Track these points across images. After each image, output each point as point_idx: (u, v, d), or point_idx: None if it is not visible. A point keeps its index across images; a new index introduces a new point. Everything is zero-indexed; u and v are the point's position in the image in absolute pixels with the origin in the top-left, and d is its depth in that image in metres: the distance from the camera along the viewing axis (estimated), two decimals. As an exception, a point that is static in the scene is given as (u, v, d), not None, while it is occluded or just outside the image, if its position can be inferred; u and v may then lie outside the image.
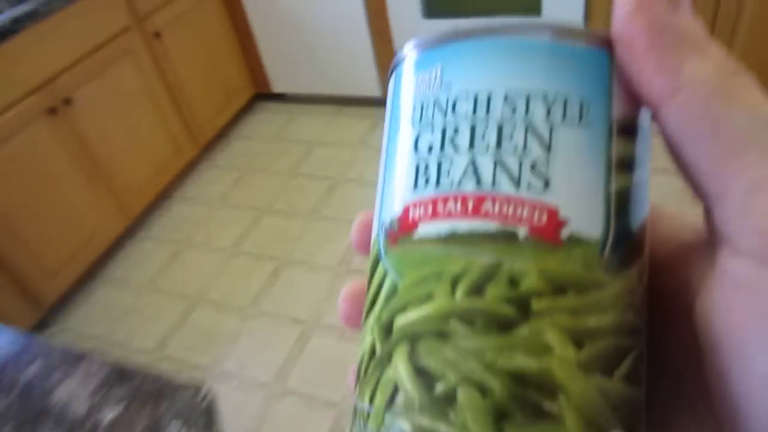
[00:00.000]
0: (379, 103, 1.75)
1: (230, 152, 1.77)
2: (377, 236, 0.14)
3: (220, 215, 1.53)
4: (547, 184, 0.12)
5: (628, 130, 0.13)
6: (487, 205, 0.12)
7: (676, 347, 0.14)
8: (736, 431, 0.12)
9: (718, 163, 0.11)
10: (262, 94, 1.95)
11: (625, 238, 0.12)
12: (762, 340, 0.11)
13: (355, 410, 0.13)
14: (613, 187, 0.12)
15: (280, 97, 1.94)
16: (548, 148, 0.12)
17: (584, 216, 0.12)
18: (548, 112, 0.12)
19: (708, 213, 0.12)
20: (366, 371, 0.13)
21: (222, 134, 1.82)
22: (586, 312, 0.12)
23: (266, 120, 1.89)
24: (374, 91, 1.73)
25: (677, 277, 0.13)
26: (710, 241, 0.12)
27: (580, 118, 0.12)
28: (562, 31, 0.13)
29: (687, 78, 0.11)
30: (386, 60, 1.64)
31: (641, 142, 0.13)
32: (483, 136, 0.13)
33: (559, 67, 0.12)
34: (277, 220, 1.47)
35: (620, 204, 0.12)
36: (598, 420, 0.11)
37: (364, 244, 0.16)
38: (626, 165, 0.13)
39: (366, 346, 0.13)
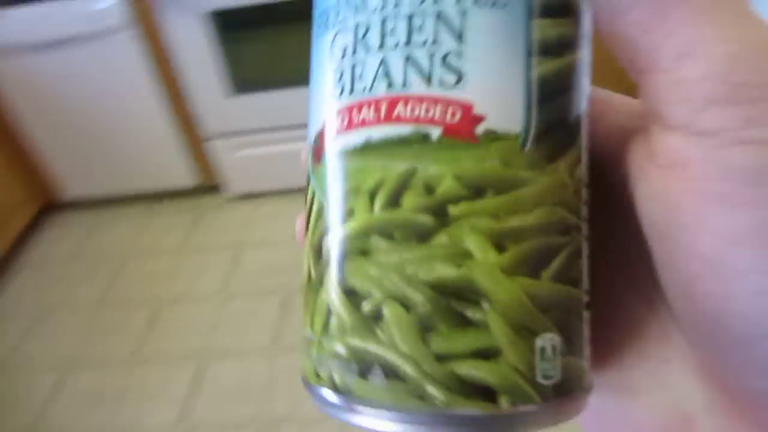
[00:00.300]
0: (197, 192, 1.52)
1: (14, 293, 1.39)
2: (307, 155, 0.14)
3: (5, 389, 1.16)
4: (459, 78, 0.11)
5: (557, 8, 0.11)
6: (399, 108, 0.11)
7: (625, 239, 0.13)
8: (686, 316, 0.12)
9: (647, 28, 0.10)
10: (51, 205, 1.60)
11: (553, 130, 0.12)
12: (700, 219, 0.10)
13: (303, 339, 0.13)
14: (535, 74, 0.11)
15: (76, 206, 1.61)
16: (460, 37, 0.11)
17: (502, 109, 0.11)
18: None
19: (641, 90, 0.11)
20: (306, 298, 0.13)
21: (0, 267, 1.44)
22: (507, 213, 0.11)
23: (60, 237, 1.54)
24: (188, 181, 1.50)
25: (622, 166, 0.12)
26: (646, 122, 0.12)
27: None
28: None
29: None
30: (195, 145, 1.43)
31: (576, 22, 0.12)
32: (393, 32, 0.12)
33: None
34: (89, 380, 1.14)
35: (545, 92, 0.11)
36: (527, 323, 0.11)
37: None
38: (553, 48, 0.11)
39: (304, 272, 0.13)
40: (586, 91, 0.12)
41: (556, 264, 0.12)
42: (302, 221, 0.14)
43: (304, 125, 0.14)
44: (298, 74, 1.25)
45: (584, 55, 0.12)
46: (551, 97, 0.12)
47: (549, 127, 0.12)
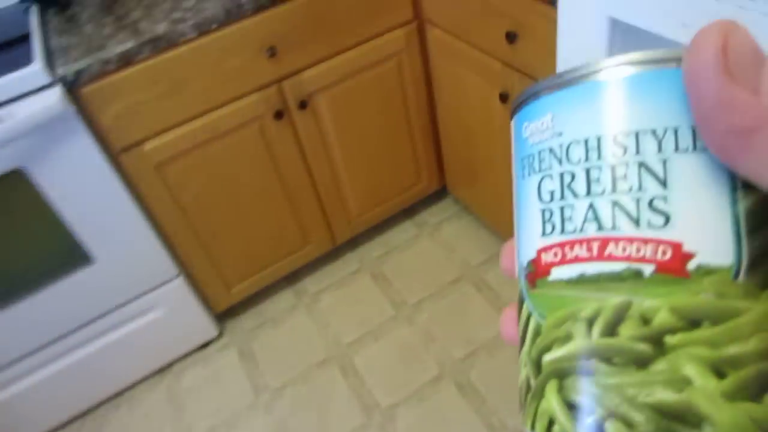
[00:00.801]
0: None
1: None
2: (519, 275, 0.16)
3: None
4: (667, 219, 0.12)
5: None
6: (611, 248, 0.13)
7: None
8: None
9: None
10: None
11: (765, 258, 0.12)
12: None
13: None
14: (742, 207, 0.12)
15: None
16: (664, 182, 0.12)
17: (711, 244, 0.12)
18: (659, 145, 0.12)
19: None
20: (525, 401, 0.15)
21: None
22: (724, 341, 0.12)
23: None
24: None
25: None
26: None
27: (694, 144, 0.12)
28: (658, 60, 0.13)
29: None
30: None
31: None
32: (598, 180, 0.13)
33: (663, 98, 0.12)
34: None
35: (753, 223, 0.12)
36: None
37: (509, 269, 0.18)
38: None
39: (522, 378, 0.15)
40: None
41: None
42: (514, 332, 0.16)
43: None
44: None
45: None
46: (760, 226, 0.12)
47: (761, 255, 0.12)
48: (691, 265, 0.12)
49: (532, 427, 0.14)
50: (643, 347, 0.12)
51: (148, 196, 1.10)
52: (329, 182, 1.32)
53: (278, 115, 1.14)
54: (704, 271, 0.12)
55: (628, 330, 0.12)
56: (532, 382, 0.14)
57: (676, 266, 0.12)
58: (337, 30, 1.12)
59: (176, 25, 0.97)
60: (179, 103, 1.03)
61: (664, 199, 0.12)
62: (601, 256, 0.13)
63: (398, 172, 1.41)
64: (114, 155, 1.04)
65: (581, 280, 0.13)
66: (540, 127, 0.14)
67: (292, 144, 1.21)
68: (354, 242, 1.51)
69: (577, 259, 0.13)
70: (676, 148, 0.12)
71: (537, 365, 0.14)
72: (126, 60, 0.95)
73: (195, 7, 1.01)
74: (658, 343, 0.12)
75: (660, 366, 0.12)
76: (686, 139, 0.12)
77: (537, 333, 0.14)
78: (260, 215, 1.26)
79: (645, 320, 0.12)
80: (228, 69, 1.05)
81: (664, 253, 0.12)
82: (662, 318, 0.12)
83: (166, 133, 1.05)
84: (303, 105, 1.16)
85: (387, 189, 1.43)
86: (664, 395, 0.12)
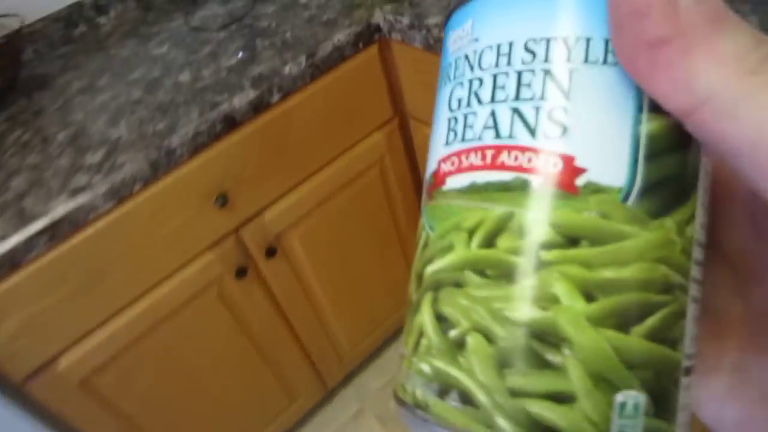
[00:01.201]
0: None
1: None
2: (423, 192, 0.15)
3: None
4: (564, 131, 0.12)
5: None
6: (503, 156, 0.12)
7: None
8: None
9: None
10: None
11: (661, 187, 0.12)
12: None
13: (399, 354, 0.15)
14: (644, 129, 0.12)
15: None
16: (567, 93, 0.12)
17: (604, 162, 0.11)
18: (569, 54, 0.12)
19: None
20: (406, 318, 0.14)
21: None
22: (600, 264, 0.11)
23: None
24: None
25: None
26: None
27: (605, 57, 0.12)
28: None
29: (702, 93, 0.10)
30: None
31: None
32: (503, 87, 0.13)
33: (583, 7, 0.12)
34: None
35: (653, 148, 0.12)
36: (609, 376, 0.11)
37: None
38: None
39: (408, 297, 0.15)
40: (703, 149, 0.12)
41: (650, 322, 0.11)
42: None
43: None
44: None
45: None
46: (660, 153, 0.12)
47: (656, 184, 0.11)
48: (580, 181, 0.11)
49: (406, 342, 0.14)
50: (517, 260, 0.12)
51: (77, 418, 0.80)
52: (313, 326, 1.06)
53: (241, 272, 0.86)
54: (592, 189, 0.11)
55: (505, 242, 0.12)
56: (413, 297, 0.14)
57: (564, 180, 0.12)
58: (302, 153, 0.86)
59: (80, 196, 0.68)
60: (99, 298, 0.74)
61: (565, 110, 0.12)
62: (493, 165, 0.12)
63: (392, 288, 1.16)
64: (16, 386, 0.73)
65: (471, 189, 0.13)
66: (461, 34, 0.14)
67: (262, 299, 0.93)
68: (348, 375, 1.25)
69: (471, 168, 0.13)
70: (586, 59, 0.12)
71: (419, 278, 0.14)
72: (12, 262, 0.66)
73: (105, 163, 0.72)
74: (532, 258, 0.12)
75: (531, 281, 0.11)
76: (598, 51, 0.12)
77: (425, 245, 0.14)
78: (233, 388, 0.98)
79: (523, 233, 0.12)
80: (165, 234, 0.77)
81: (555, 165, 0.12)
82: (540, 232, 0.12)
83: (87, 338, 0.76)
84: (271, 252, 0.89)
85: (381, 311, 1.18)
86: (529, 312, 0.11)
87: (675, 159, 0.12)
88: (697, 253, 0.12)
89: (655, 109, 0.11)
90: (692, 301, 0.12)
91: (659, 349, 0.11)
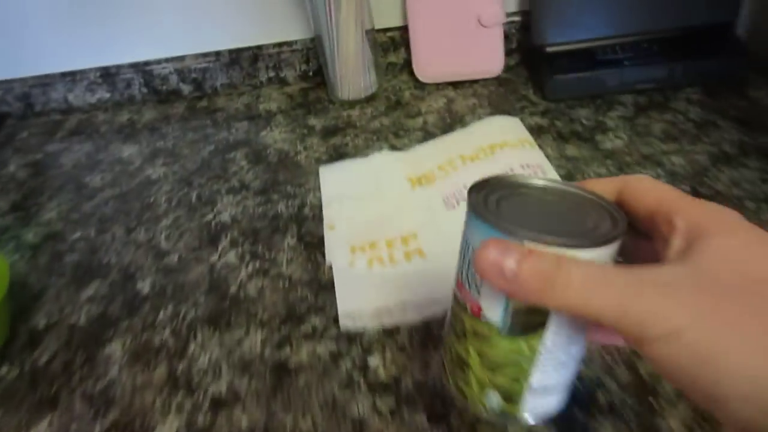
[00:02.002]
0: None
1: None
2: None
3: None
4: (478, 291, 0.25)
5: None
6: (460, 293, 0.27)
7: None
8: None
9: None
10: None
11: (520, 328, 0.24)
12: None
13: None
14: (512, 303, 0.24)
15: None
16: (480, 284, 0.25)
17: (492, 312, 0.24)
18: (469, 258, 0.25)
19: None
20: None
21: None
22: (487, 351, 0.25)
23: None
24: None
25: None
26: None
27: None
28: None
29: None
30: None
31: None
32: (464, 255, 0.25)
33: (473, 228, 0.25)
34: None
35: (514, 311, 0.24)
36: (486, 386, 0.26)
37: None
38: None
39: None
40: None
41: (509, 372, 0.26)
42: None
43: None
44: None
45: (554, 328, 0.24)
46: (516, 313, 0.24)
47: (517, 326, 0.24)
48: (482, 315, 0.25)
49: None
50: (456, 341, 0.28)
51: None
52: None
53: None
54: (486, 320, 0.25)
55: (459, 328, 0.27)
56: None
57: (477, 313, 0.25)
58: None
59: None
60: None
61: (479, 282, 0.25)
62: (460, 296, 0.27)
63: None
64: None
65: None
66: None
67: None
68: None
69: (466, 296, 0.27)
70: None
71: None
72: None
73: None
74: (462, 336, 0.27)
75: (461, 342, 0.27)
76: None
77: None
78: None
79: (464, 330, 0.27)
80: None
81: (474, 305, 0.25)
82: (466, 329, 0.26)
83: None
84: None
85: None
86: (459, 352, 0.27)
87: (526, 316, 0.24)
88: (544, 347, 0.24)
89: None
90: (540, 357, 0.24)
91: (510, 382, 0.25)
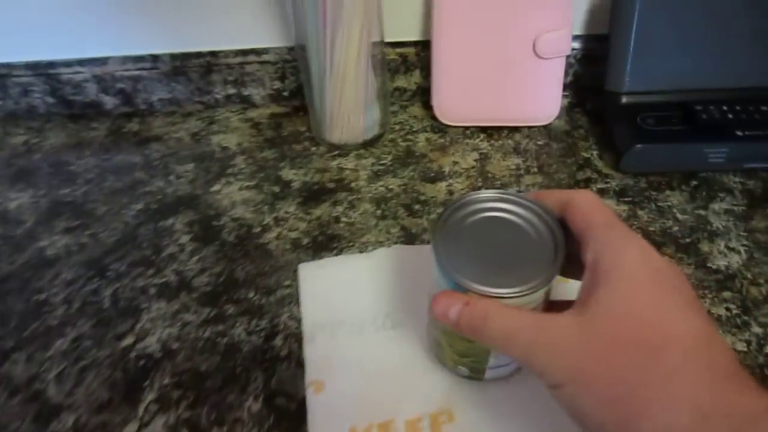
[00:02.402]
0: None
1: None
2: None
3: None
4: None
5: None
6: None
7: None
8: None
9: None
10: None
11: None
12: None
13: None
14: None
15: None
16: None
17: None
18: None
19: None
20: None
21: None
22: (454, 344, 0.34)
23: None
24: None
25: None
26: None
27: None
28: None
29: None
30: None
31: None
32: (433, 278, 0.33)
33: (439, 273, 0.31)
34: None
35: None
36: (458, 363, 0.36)
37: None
38: None
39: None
40: None
41: (471, 357, 0.34)
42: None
43: None
44: None
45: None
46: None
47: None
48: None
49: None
50: (439, 333, 0.35)
51: None
52: None
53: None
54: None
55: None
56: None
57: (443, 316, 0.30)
58: None
59: None
60: None
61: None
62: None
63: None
64: None
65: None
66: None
67: None
68: None
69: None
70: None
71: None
72: None
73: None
74: (442, 333, 0.35)
75: (448, 335, 0.34)
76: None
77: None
78: None
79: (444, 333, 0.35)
80: None
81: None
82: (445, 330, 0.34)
83: None
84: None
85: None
86: (443, 342, 0.35)
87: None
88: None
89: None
90: (493, 354, 0.33)
91: (473, 363, 0.35)
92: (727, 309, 0.41)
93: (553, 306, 0.31)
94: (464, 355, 0.34)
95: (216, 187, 0.54)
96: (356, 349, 0.39)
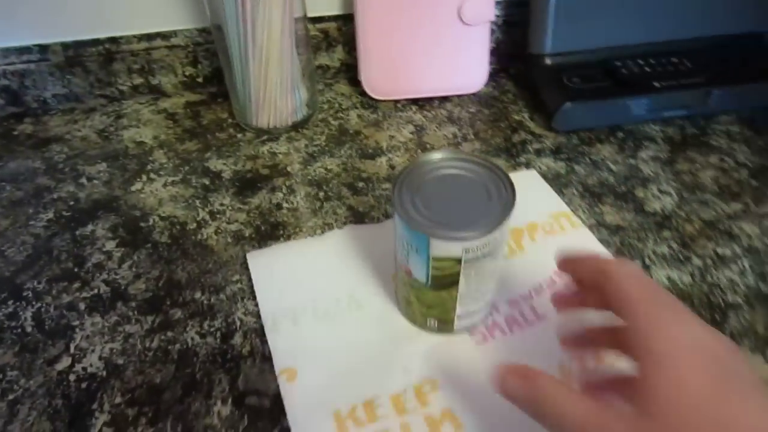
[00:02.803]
0: None
1: None
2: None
3: None
4: (407, 260, 0.34)
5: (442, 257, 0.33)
6: (398, 259, 0.37)
7: None
8: None
9: None
10: None
11: (440, 285, 0.34)
12: None
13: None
14: (431, 264, 0.33)
15: None
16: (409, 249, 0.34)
17: (417, 271, 0.34)
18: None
19: None
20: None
21: None
22: (421, 296, 0.36)
23: None
24: None
25: None
26: None
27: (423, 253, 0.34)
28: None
29: None
30: None
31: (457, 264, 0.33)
32: (397, 234, 0.35)
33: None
34: None
35: (434, 270, 0.34)
36: (417, 319, 0.39)
37: None
38: (438, 268, 0.34)
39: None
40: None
41: (438, 309, 0.37)
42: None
43: None
44: None
45: (462, 283, 0.34)
46: (436, 273, 0.33)
47: (437, 284, 0.34)
48: (413, 276, 0.35)
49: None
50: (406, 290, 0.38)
51: None
52: None
53: None
54: (414, 278, 0.35)
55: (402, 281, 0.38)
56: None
57: (409, 274, 0.35)
58: None
59: None
60: None
61: (407, 253, 0.34)
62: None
63: None
64: None
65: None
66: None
67: None
68: None
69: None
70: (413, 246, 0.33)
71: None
72: None
73: None
74: (413, 288, 0.37)
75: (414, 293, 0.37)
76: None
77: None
78: None
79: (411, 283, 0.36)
80: None
81: (407, 269, 0.35)
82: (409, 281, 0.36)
83: None
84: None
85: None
86: (407, 294, 0.38)
87: (441, 279, 0.34)
88: (460, 294, 0.35)
89: (435, 259, 0.32)
90: (459, 299, 0.36)
91: (441, 314, 0.37)
92: (669, 247, 0.45)
93: (604, 384, 0.32)
94: (431, 305, 0.37)
95: (137, 186, 0.51)
96: (325, 334, 0.39)
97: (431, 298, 0.36)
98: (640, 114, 0.54)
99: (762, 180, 0.51)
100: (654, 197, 0.49)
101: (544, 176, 0.51)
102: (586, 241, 0.45)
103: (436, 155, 0.36)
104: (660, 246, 0.45)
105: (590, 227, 0.46)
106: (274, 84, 0.52)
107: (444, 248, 0.32)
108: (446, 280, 0.34)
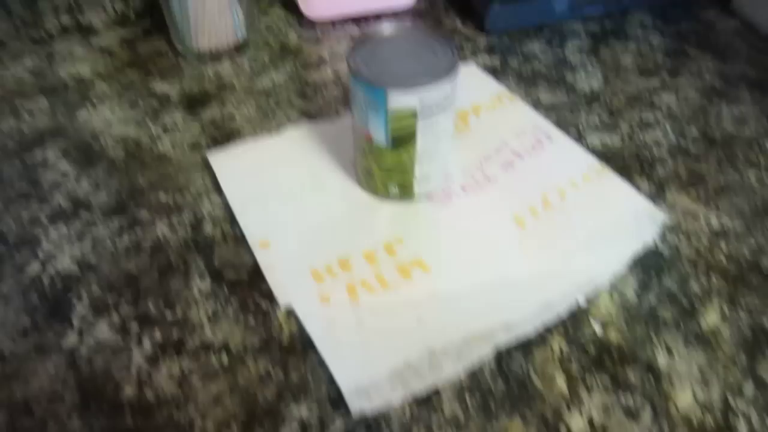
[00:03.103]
0: None
1: None
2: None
3: None
4: (366, 124, 0.38)
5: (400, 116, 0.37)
6: (357, 127, 0.41)
7: None
8: None
9: None
10: None
11: (399, 143, 0.38)
12: None
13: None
14: (389, 122, 0.37)
15: None
16: (366, 107, 0.38)
17: (377, 134, 0.38)
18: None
19: None
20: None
21: None
22: (381, 161, 0.40)
23: None
24: None
25: None
26: None
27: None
28: None
29: None
30: None
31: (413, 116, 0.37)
32: (355, 100, 0.39)
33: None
34: None
35: (393, 127, 0.37)
36: (379, 188, 0.42)
37: None
38: (396, 121, 0.37)
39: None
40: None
41: (398, 171, 0.41)
42: None
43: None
44: None
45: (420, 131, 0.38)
46: (395, 129, 0.37)
47: (396, 142, 0.38)
48: (372, 139, 0.39)
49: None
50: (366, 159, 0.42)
51: None
52: None
53: None
54: (376, 142, 0.39)
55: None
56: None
57: (368, 138, 0.39)
58: None
59: None
60: None
61: (366, 115, 0.38)
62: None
63: None
64: None
65: None
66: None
67: None
68: None
69: None
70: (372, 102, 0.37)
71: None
72: None
73: None
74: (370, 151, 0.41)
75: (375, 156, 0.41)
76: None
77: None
78: None
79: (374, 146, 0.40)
80: None
81: (366, 134, 0.39)
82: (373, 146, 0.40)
83: None
84: None
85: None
86: (372, 166, 0.41)
87: (399, 136, 0.38)
88: (417, 152, 0.39)
89: (393, 113, 0.37)
90: (417, 158, 0.40)
91: (401, 177, 0.41)
92: (599, 117, 0.51)
93: None
94: (391, 169, 0.40)
95: (82, 115, 0.52)
96: (292, 211, 0.42)
97: (391, 161, 0.39)
98: (562, 10, 0.60)
99: (675, 59, 0.58)
100: (582, 80, 0.55)
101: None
102: (524, 113, 0.49)
103: (386, 27, 0.40)
104: (591, 116, 0.51)
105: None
106: (212, 3, 0.55)
107: (401, 100, 0.36)
108: (404, 138, 0.38)
